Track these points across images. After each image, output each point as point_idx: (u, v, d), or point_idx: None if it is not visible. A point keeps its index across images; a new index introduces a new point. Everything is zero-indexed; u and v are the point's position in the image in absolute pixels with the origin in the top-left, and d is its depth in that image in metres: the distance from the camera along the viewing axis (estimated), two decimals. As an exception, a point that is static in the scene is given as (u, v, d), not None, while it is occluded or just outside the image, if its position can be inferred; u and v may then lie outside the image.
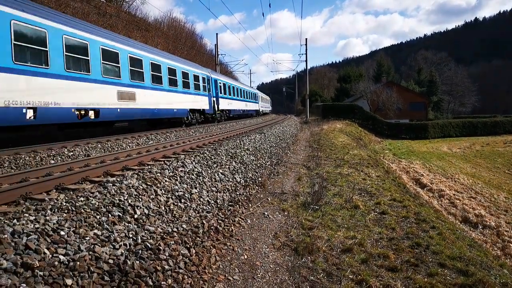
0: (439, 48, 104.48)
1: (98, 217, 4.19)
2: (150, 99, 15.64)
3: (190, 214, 5.44)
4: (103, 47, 12.59)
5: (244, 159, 10.01)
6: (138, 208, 4.79)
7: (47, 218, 3.81)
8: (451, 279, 4.39)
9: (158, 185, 5.86)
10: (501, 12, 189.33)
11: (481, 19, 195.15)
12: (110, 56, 12.96)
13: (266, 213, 6.59)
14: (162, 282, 3.56)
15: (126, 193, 5.07)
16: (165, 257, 3.95)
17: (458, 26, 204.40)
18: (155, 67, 16.36)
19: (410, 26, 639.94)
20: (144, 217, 4.67)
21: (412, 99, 56.67)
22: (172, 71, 18.14)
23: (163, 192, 5.69)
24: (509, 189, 19.83)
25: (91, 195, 4.76)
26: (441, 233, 6.06)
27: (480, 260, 5.31)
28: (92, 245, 3.57)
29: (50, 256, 3.19)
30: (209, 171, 7.71)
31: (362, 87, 56.03)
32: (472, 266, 4.80)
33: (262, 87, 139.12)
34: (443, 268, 4.67)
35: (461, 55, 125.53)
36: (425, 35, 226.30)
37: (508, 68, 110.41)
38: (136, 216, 4.59)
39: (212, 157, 8.86)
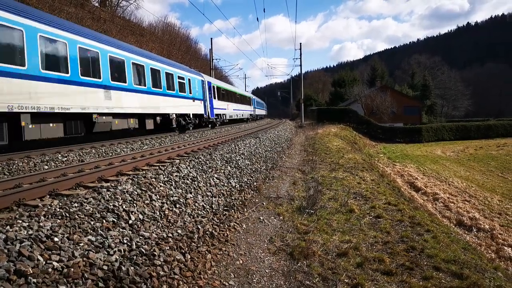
0: (432, 53, 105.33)
1: (92, 223, 4.16)
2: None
3: (185, 219, 5.42)
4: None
5: (239, 163, 10.01)
6: (133, 213, 4.77)
7: (41, 224, 3.78)
8: (446, 282, 4.41)
9: (153, 190, 5.84)
10: (493, 16, 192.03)
11: (473, 24, 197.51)
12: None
13: (261, 218, 6.58)
14: (157, 288, 3.54)
15: (120, 198, 5.05)
16: (160, 263, 3.93)
17: (451, 30, 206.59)
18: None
19: (403, 30, 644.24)
20: (138, 222, 4.65)
21: (406, 103, 57.03)
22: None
23: (158, 197, 5.67)
24: (502, 192, 20.00)
25: (85, 200, 4.73)
26: (435, 236, 6.08)
27: (475, 263, 5.33)
28: (86, 251, 3.55)
29: (44, 262, 3.16)
30: (204, 176, 7.70)
31: (357, 91, 56.34)
32: (467, 269, 4.83)
33: (257, 92, 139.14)
34: (438, 272, 4.69)
35: (454, 59, 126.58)
36: (418, 39, 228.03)
37: (500, 72, 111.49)
38: (130, 221, 4.57)
39: (207, 161, 8.85)
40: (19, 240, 3.33)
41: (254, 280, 4.32)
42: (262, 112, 65.96)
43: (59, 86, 10.16)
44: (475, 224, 13.22)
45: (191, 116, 20.69)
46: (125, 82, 13.69)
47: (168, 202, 5.68)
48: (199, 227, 5.32)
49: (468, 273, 4.65)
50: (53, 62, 10.11)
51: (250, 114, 45.03)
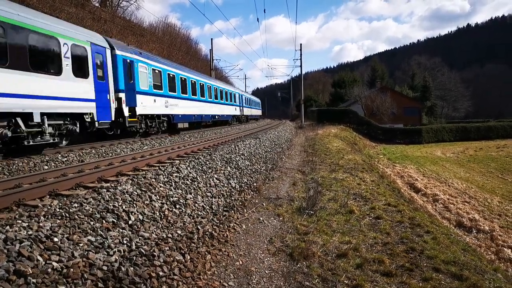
0: (432, 54, 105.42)
1: (92, 223, 4.16)
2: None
3: (185, 220, 5.42)
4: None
5: (239, 164, 10.00)
6: (133, 214, 4.77)
7: (41, 224, 3.78)
8: (445, 284, 4.41)
9: (153, 190, 5.84)
10: (493, 18, 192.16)
11: (473, 25, 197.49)
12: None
13: (261, 218, 6.58)
14: (157, 289, 3.54)
15: (120, 199, 5.05)
16: (159, 264, 3.92)
17: (451, 31, 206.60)
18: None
19: (403, 31, 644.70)
20: (138, 223, 4.65)
21: (406, 104, 57.02)
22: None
23: (158, 197, 5.67)
24: (502, 194, 19.99)
25: (85, 201, 4.73)
26: (435, 237, 6.08)
27: (474, 265, 5.33)
28: (86, 252, 3.55)
29: (43, 263, 3.16)
30: (204, 177, 7.70)
31: (357, 92, 56.35)
32: (467, 270, 4.83)
33: (257, 92, 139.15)
34: (438, 273, 4.68)
35: (454, 60, 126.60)
36: (418, 40, 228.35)
37: (500, 73, 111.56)
38: (130, 222, 4.56)
39: (207, 162, 8.85)
40: (18, 240, 3.33)
41: (254, 281, 4.32)
42: (259, 112, 48.76)
43: None
44: (475, 226, 13.22)
45: None
46: None
47: (168, 203, 5.67)
48: (199, 227, 5.32)
49: (468, 275, 4.65)
50: None
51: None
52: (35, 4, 21.92)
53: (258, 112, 57.08)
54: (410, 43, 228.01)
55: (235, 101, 35.50)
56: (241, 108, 38.50)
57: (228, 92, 33.30)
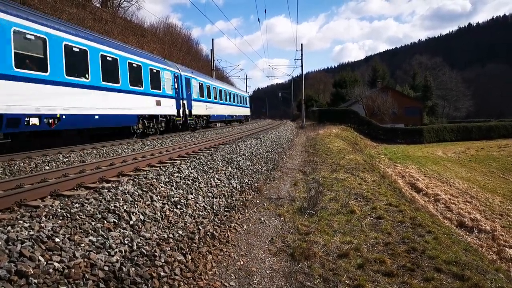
0: (433, 53, 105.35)
1: (93, 223, 4.16)
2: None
3: (186, 220, 5.42)
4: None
5: (240, 164, 10.00)
6: (134, 214, 4.77)
7: (42, 225, 3.78)
8: (447, 284, 4.40)
9: (154, 191, 5.84)
10: (494, 17, 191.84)
11: (474, 25, 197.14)
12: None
13: (262, 219, 6.57)
14: (158, 289, 3.54)
15: (121, 199, 5.05)
16: (160, 264, 3.93)
17: (452, 31, 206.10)
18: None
19: (404, 31, 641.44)
20: (139, 223, 4.65)
21: (407, 103, 57.00)
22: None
23: (159, 198, 5.67)
24: (504, 193, 19.94)
25: (86, 201, 4.73)
26: (437, 237, 6.07)
27: (476, 265, 5.32)
28: (87, 252, 3.55)
29: (45, 263, 3.16)
30: (205, 177, 7.70)
31: (358, 92, 56.31)
32: (468, 270, 4.81)
33: (258, 92, 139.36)
34: (439, 273, 4.67)
35: (455, 60, 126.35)
36: (419, 40, 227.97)
37: (501, 73, 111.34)
38: (131, 222, 4.57)
39: (208, 162, 8.85)
40: (20, 240, 3.33)
41: (255, 281, 4.32)
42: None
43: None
44: (477, 225, 13.20)
45: None
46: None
47: (169, 203, 5.67)
48: (200, 227, 5.32)
49: (470, 275, 4.64)
50: None
51: None
52: (37, 5, 21.96)
53: (243, 111, 40.15)
54: (411, 43, 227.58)
55: (160, 88, 17.60)
56: (182, 101, 20.49)
57: (135, 63, 15.32)
